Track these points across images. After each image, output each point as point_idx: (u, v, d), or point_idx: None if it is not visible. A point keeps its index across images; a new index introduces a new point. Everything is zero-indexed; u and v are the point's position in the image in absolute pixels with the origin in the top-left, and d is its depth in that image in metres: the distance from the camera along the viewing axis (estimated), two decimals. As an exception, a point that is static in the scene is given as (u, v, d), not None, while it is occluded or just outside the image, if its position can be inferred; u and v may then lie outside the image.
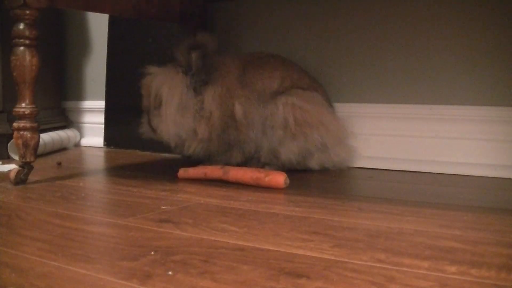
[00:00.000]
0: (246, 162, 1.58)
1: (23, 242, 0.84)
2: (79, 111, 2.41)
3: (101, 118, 2.28)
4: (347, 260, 0.75)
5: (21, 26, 1.32)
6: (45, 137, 1.98)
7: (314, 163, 1.53)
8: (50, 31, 2.27)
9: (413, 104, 1.63)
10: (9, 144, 1.84)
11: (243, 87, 1.53)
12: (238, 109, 1.51)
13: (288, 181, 1.31)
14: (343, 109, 1.71)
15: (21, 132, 1.34)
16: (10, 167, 1.60)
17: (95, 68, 2.36)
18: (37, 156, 1.41)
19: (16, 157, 1.52)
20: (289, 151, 1.51)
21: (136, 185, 1.34)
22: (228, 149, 1.56)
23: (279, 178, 1.29)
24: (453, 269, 0.71)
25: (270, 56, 1.62)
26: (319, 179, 1.48)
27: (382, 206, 1.10)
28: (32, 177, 1.40)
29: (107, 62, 2.24)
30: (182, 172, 1.45)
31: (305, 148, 1.51)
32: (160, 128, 1.49)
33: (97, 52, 2.36)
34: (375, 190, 1.35)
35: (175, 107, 1.46)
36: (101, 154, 2.09)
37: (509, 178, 1.48)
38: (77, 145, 2.35)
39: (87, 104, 2.39)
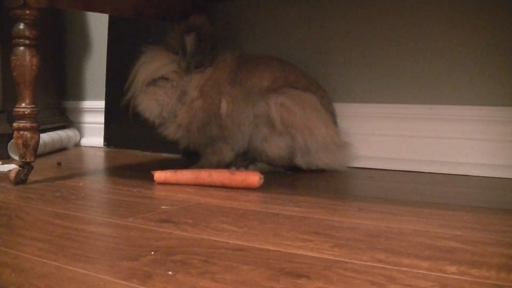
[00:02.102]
0: (235, 158, 1.59)
1: (23, 242, 0.84)
2: (79, 111, 2.41)
3: (101, 118, 2.28)
4: (347, 260, 0.75)
5: (21, 26, 1.32)
6: (45, 137, 1.98)
7: (301, 161, 1.52)
8: (50, 31, 2.27)
9: (413, 104, 1.63)
10: (9, 144, 1.84)
11: (233, 84, 1.54)
12: (224, 107, 1.51)
13: (262, 180, 1.30)
14: (343, 109, 1.71)
15: (21, 132, 1.34)
16: (10, 167, 1.60)
17: (95, 68, 2.36)
18: (37, 156, 1.41)
19: (16, 157, 1.52)
20: (274, 147, 1.49)
21: (136, 185, 1.34)
22: (211, 143, 1.56)
23: (254, 178, 1.28)
24: (453, 269, 0.71)
25: (268, 58, 1.62)
26: (319, 180, 1.48)
27: (382, 206, 1.10)
28: (32, 177, 1.40)
29: (107, 62, 2.24)
30: (158, 175, 1.37)
31: (291, 145, 1.50)
32: (138, 102, 1.52)
33: (97, 52, 2.36)
34: (375, 190, 1.34)
35: (149, 74, 1.49)
36: (101, 154, 2.09)
37: (509, 178, 1.48)
38: (77, 145, 2.35)
39: (87, 104, 2.39)
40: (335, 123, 1.61)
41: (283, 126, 1.48)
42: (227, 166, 1.55)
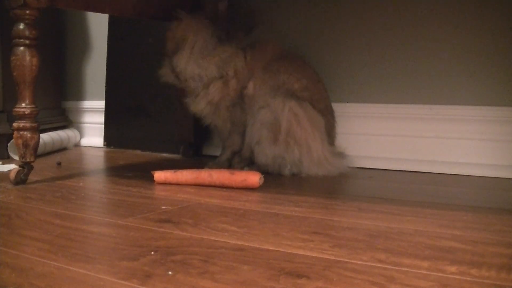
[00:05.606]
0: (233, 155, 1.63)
1: (23, 242, 0.84)
2: (79, 111, 2.41)
3: (101, 118, 2.28)
4: (347, 260, 0.75)
5: (21, 26, 1.32)
6: (45, 137, 1.98)
7: (287, 172, 1.53)
8: (50, 31, 2.27)
9: (413, 104, 1.63)
10: (9, 144, 1.84)
11: (266, 71, 1.55)
12: (251, 88, 1.53)
13: (262, 180, 1.30)
14: (343, 109, 1.71)
15: (21, 132, 1.34)
16: (10, 167, 1.60)
17: (95, 68, 2.36)
18: (37, 156, 1.41)
19: (16, 157, 1.52)
20: (263, 155, 1.51)
21: (136, 185, 1.34)
22: (232, 131, 1.60)
23: (254, 178, 1.28)
24: (453, 269, 0.71)
25: (311, 69, 1.62)
26: (319, 180, 1.48)
27: (382, 206, 1.10)
28: (32, 177, 1.40)
29: (107, 62, 2.24)
30: (158, 175, 1.37)
31: (282, 156, 1.50)
32: (183, 67, 1.53)
33: (97, 52, 2.36)
34: (375, 190, 1.35)
35: (199, 48, 1.52)
36: (101, 154, 2.09)
37: (509, 178, 1.48)
38: (77, 145, 2.35)
39: (87, 104, 2.39)
40: (332, 144, 1.61)
41: (285, 134, 1.48)
42: (235, 153, 1.61)
